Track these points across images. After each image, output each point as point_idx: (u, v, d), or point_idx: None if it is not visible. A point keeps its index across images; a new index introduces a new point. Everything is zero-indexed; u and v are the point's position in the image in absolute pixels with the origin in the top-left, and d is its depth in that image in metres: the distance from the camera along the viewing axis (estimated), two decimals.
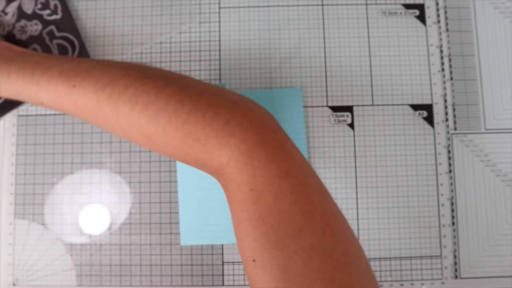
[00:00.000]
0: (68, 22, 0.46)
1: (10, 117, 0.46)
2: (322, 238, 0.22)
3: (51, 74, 0.31)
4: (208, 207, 0.42)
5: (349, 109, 0.46)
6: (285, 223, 0.22)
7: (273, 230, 0.22)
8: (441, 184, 0.45)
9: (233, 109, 0.26)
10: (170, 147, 0.27)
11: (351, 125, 0.46)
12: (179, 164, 0.44)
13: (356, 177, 0.45)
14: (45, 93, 0.31)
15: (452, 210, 0.45)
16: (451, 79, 0.47)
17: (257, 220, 0.23)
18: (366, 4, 0.47)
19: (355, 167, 0.45)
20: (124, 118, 0.27)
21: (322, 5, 0.48)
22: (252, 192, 0.23)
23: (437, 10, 0.48)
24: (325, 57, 0.47)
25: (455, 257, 0.44)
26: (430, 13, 0.47)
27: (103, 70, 0.29)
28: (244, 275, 0.44)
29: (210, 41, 0.47)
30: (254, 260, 0.22)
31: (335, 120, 0.46)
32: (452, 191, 0.45)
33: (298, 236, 0.22)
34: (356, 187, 0.45)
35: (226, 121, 0.25)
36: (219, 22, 0.47)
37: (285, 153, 0.25)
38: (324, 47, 0.47)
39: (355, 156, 0.45)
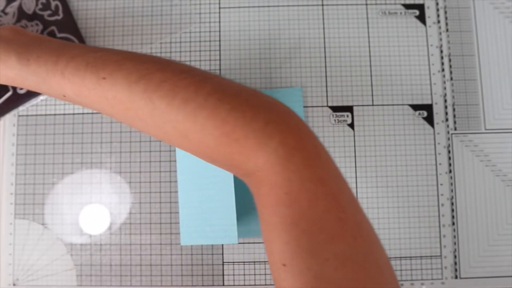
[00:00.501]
0: (70, 23, 0.46)
1: (10, 117, 0.46)
2: (354, 246, 0.22)
3: (77, 64, 0.28)
4: (208, 207, 0.42)
5: (349, 109, 0.46)
6: (318, 229, 0.22)
7: (305, 236, 0.22)
8: (441, 184, 0.45)
9: (272, 111, 0.25)
10: (204, 146, 0.26)
11: (351, 125, 0.46)
12: (179, 164, 0.44)
13: (356, 177, 0.45)
14: (69, 85, 0.29)
15: (452, 210, 0.45)
16: (451, 79, 0.47)
17: (290, 224, 0.23)
18: (366, 4, 0.48)
19: (355, 167, 0.45)
20: (159, 114, 0.26)
21: (322, 5, 0.48)
22: (287, 196, 0.23)
23: (437, 10, 0.48)
24: (325, 57, 0.47)
25: (455, 257, 0.44)
26: (430, 13, 0.48)
27: (134, 62, 0.28)
28: (244, 274, 0.44)
29: (210, 41, 0.47)
30: (284, 264, 0.22)
31: (335, 120, 0.46)
32: (452, 191, 0.45)
33: (330, 243, 0.22)
34: (356, 187, 0.45)
35: (265, 122, 0.25)
36: (219, 22, 0.47)
37: (320, 159, 0.24)
38: (324, 47, 0.47)
39: (355, 156, 0.45)
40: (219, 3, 0.48)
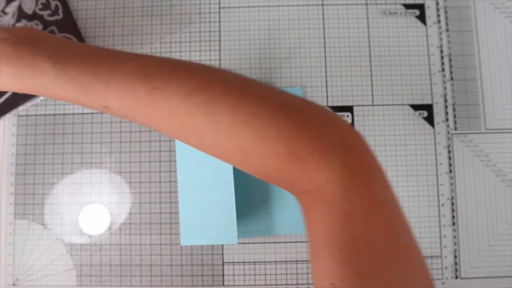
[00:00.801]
0: (69, 23, 0.46)
1: (10, 117, 0.46)
2: (405, 275, 0.22)
3: (122, 72, 0.25)
4: (208, 207, 0.42)
5: (349, 109, 0.46)
6: (372, 252, 0.22)
7: (358, 258, 0.22)
8: (441, 184, 0.45)
9: (335, 128, 0.25)
10: (265, 164, 0.25)
11: (351, 125, 0.46)
12: (179, 164, 0.44)
13: None
14: (115, 95, 0.26)
15: (452, 210, 0.45)
16: (451, 79, 0.46)
17: (343, 244, 0.22)
18: (366, 4, 0.47)
19: None
20: (219, 129, 0.24)
21: (322, 5, 0.48)
22: (343, 216, 0.23)
23: (437, 10, 0.48)
24: (325, 57, 0.47)
25: (455, 257, 0.44)
26: (430, 13, 0.47)
27: (185, 70, 0.26)
28: (244, 275, 0.44)
29: (210, 41, 0.47)
30: (332, 284, 0.22)
31: None
32: (452, 191, 0.45)
33: (382, 269, 0.22)
34: None
35: (329, 140, 0.24)
36: (219, 22, 0.47)
37: (378, 179, 0.24)
38: (324, 47, 0.47)
39: None
40: (219, 3, 0.48)
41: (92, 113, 0.46)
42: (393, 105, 0.46)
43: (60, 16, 0.46)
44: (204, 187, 0.42)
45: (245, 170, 0.27)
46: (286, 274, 0.44)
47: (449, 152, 0.45)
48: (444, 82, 0.46)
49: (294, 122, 0.24)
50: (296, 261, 0.44)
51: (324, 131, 0.24)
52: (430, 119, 0.46)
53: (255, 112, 0.24)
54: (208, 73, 0.26)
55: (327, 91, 0.46)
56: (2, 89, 0.28)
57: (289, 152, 0.24)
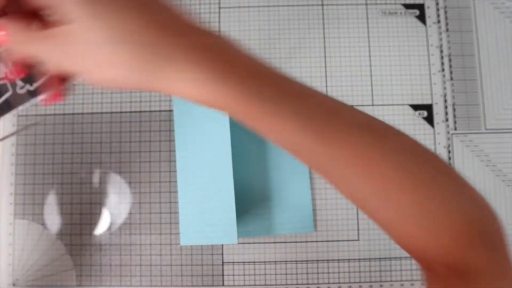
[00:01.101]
0: None
1: (10, 117, 0.46)
2: None
3: (314, 106, 0.23)
4: (208, 207, 0.42)
5: None
6: None
7: None
8: None
9: (493, 216, 0.25)
10: (433, 244, 0.25)
11: None
12: (179, 164, 0.44)
13: None
14: (313, 139, 0.22)
15: None
16: (451, 79, 0.46)
17: None
18: (366, 4, 0.47)
19: None
20: (413, 196, 0.24)
21: (322, 5, 0.48)
22: None
23: (437, 10, 0.48)
24: (325, 57, 0.47)
25: None
26: (430, 13, 0.47)
27: (376, 125, 0.24)
28: (244, 275, 0.44)
29: None
30: None
31: None
32: None
33: None
34: None
35: (492, 226, 0.25)
36: (219, 22, 0.47)
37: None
38: (324, 47, 0.47)
39: None
40: (219, 3, 0.48)
41: (92, 113, 0.46)
42: (393, 105, 0.46)
43: None
44: (204, 187, 0.42)
45: (403, 246, 0.26)
46: (286, 274, 0.44)
47: (449, 152, 0.45)
48: (444, 82, 0.46)
49: (474, 207, 0.25)
50: (296, 261, 0.44)
51: (488, 216, 0.25)
52: (430, 119, 0.46)
53: (448, 183, 0.25)
54: (400, 136, 0.25)
55: (327, 91, 0.46)
56: (186, 96, 0.22)
57: (464, 236, 0.24)
